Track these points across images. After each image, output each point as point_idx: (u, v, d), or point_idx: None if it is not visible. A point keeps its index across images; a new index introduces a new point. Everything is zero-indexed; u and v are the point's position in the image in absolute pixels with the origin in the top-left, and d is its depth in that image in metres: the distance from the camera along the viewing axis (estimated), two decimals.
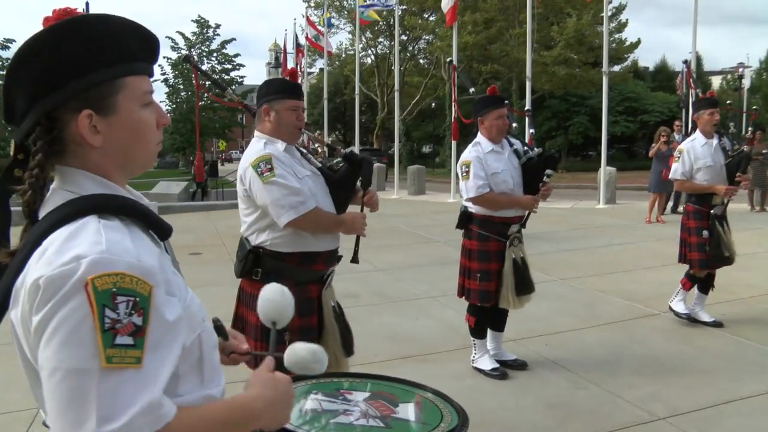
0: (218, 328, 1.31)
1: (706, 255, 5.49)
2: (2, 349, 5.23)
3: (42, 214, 1.15)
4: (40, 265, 1.04)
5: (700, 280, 5.68)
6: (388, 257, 8.91)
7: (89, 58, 1.15)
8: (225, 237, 10.73)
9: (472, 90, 4.93)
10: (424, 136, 49.65)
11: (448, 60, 6.21)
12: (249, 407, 1.21)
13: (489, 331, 4.73)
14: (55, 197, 1.17)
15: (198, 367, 1.21)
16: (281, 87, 3.13)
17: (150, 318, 1.03)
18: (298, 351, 1.36)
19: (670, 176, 5.89)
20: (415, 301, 6.75)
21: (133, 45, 1.21)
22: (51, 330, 0.99)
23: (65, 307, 0.99)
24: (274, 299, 1.46)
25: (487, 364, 4.63)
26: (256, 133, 3.13)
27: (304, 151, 3.22)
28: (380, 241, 9.50)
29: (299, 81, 3.44)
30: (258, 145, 3.05)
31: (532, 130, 4.97)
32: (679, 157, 5.61)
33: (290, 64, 29.73)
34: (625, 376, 4.56)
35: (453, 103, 5.79)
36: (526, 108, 5.61)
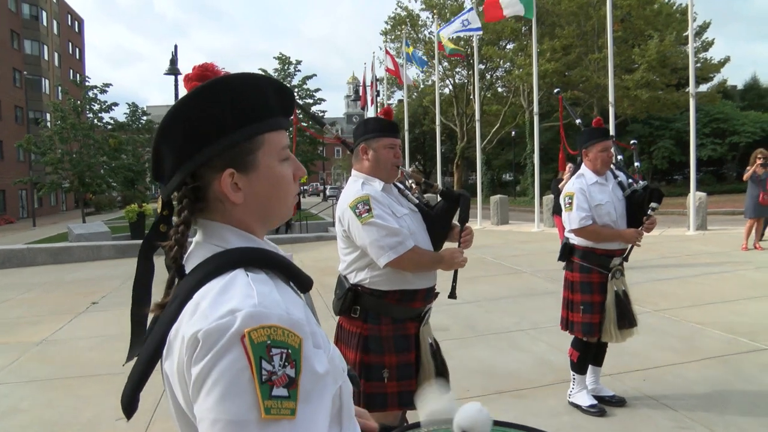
0: (352, 377, 1.30)
1: None
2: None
3: (188, 267, 1.18)
4: (195, 319, 1.05)
5: None
6: (476, 289, 8.82)
7: (233, 118, 1.18)
8: (311, 270, 10.87)
9: (578, 121, 4.87)
10: (504, 165, 49.39)
11: (555, 91, 6.15)
12: None
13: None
14: (200, 251, 1.20)
15: (338, 417, 1.21)
16: (378, 125, 3.15)
17: (302, 370, 1.03)
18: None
19: None
20: (505, 334, 6.64)
21: (271, 101, 1.23)
22: (211, 382, 1.00)
23: (224, 359, 1.00)
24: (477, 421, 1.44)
25: (585, 400, 4.50)
26: (354, 172, 3.17)
27: (402, 187, 3.23)
28: (467, 273, 9.37)
29: (378, 114, 3.48)
30: (356, 186, 3.07)
31: (638, 163, 4.87)
32: None
33: (368, 98, 30.32)
34: (735, 416, 4.28)
35: (560, 133, 5.71)
36: (631, 141, 5.45)
